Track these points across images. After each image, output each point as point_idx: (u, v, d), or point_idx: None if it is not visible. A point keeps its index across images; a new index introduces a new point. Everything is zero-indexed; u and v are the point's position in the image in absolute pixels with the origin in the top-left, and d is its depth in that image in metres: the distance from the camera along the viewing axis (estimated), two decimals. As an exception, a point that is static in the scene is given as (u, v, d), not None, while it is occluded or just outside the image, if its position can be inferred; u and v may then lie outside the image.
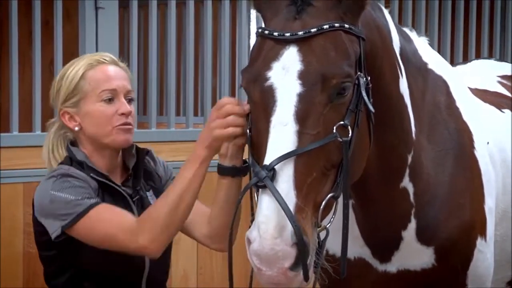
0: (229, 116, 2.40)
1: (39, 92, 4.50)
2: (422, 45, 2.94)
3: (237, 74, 5.77)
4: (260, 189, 2.14)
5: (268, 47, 2.25)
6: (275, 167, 2.11)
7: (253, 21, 5.56)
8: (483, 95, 3.43)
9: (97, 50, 4.62)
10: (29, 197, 4.31)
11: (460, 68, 4.05)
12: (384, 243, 2.80)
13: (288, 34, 2.22)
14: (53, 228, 2.66)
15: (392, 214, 2.74)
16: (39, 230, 2.75)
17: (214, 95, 5.79)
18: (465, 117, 2.97)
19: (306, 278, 2.12)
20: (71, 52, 5.35)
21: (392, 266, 2.82)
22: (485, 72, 3.97)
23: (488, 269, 2.95)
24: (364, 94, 2.27)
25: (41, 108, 4.49)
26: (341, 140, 2.20)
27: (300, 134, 2.16)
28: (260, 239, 2.08)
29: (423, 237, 2.78)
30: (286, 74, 2.20)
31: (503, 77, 3.91)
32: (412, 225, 2.77)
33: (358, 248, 2.82)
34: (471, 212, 2.86)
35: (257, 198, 2.18)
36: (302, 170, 2.14)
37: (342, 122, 2.21)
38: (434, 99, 2.88)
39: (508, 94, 3.75)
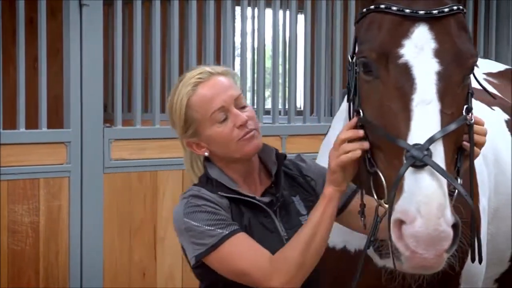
0: (343, 144, 2.37)
1: (23, 90, 4.48)
2: None
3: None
4: (411, 168, 2.09)
5: (393, 24, 2.23)
6: (430, 147, 2.09)
7: (238, 19, 5.54)
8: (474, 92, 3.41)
9: (81, 48, 4.60)
10: (13, 195, 4.32)
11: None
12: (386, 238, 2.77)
13: (422, 12, 2.21)
14: (190, 255, 2.63)
15: None
16: (185, 250, 2.71)
17: (198, 92, 5.75)
18: None
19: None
20: (56, 50, 5.34)
21: (392, 262, 2.80)
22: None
23: (481, 268, 2.94)
24: (474, 78, 2.30)
25: (25, 106, 4.47)
26: (468, 123, 2.23)
27: (442, 113, 2.15)
28: (423, 220, 2.03)
29: None
30: (420, 52, 2.19)
31: (488, 74, 3.90)
32: None
33: (358, 241, 2.79)
34: (467, 211, 2.84)
35: (385, 178, 2.20)
36: (448, 152, 2.14)
37: (467, 105, 2.24)
38: None
39: (495, 91, 3.74)
